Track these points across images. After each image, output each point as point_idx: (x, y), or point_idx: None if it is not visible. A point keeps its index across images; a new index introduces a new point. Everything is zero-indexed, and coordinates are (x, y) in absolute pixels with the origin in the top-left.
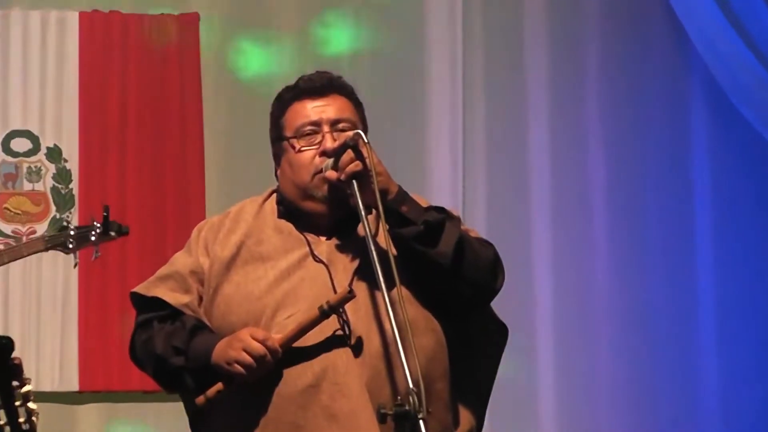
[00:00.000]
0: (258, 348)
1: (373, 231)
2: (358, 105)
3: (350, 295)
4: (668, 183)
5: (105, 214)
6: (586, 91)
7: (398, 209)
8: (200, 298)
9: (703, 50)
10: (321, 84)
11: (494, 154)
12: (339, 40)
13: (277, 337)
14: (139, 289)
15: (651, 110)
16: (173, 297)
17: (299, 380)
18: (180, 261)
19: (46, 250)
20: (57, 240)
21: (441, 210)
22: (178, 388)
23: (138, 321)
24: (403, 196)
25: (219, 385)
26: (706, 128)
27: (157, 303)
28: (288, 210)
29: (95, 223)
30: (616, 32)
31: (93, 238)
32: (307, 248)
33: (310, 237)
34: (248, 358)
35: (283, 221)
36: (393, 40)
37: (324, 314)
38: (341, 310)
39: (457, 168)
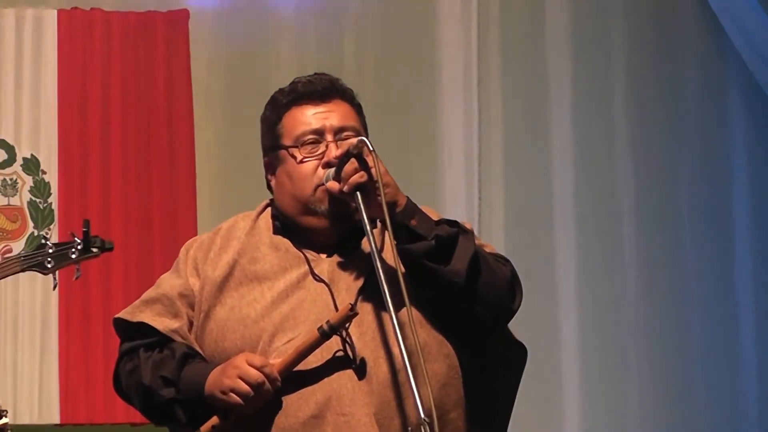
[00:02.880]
0: (255, 375)
1: (378, 246)
2: (360, 112)
3: (352, 312)
4: (703, 188)
5: (85, 229)
6: (612, 92)
7: (407, 223)
8: (190, 323)
9: (740, 44)
10: (323, 88)
11: (513, 162)
12: (344, 36)
13: (275, 362)
14: (123, 314)
15: (683, 110)
16: (161, 322)
17: (300, 411)
18: (167, 283)
19: (23, 271)
20: (34, 260)
21: (453, 223)
22: (169, 422)
23: (122, 349)
24: (412, 208)
25: (214, 420)
26: (744, 128)
27: (143, 329)
28: (285, 225)
29: (75, 239)
30: (645, 27)
31: (73, 256)
32: (307, 266)
33: (310, 254)
34: (245, 387)
35: (279, 237)
36: (402, 36)
37: (324, 335)
38: (344, 330)
39: (472, 177)
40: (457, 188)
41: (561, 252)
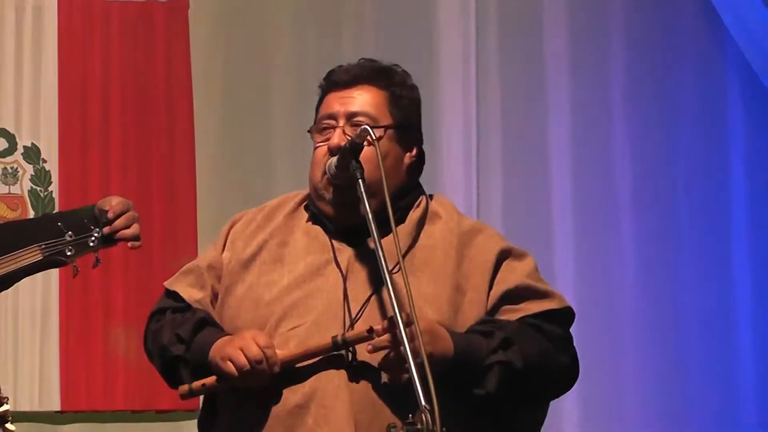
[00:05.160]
0: (255, 351)
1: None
2: (394, 99)
3: (369, 335)
4: (701, 178)
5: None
6: (610, 84)
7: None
8: (215, 295)
9: (738, 35)
10: (353, 74)
11: (511, 154)
12: (343, 25)
13: (281, 353)
14: (167, 282)
15: (681, 101)
16: (188, 292)
17: (289, 400)
18: (204, 253)
19: (45, 260)
20: (55, 248)
21: (491, 333)
22: (177, 383)
23: (155, 308)
24: (460, 356)
25: (210, 378)
26: (742, 119)
27: (178, 296)
28: (313, 212)
29: (94, 228)
30: (643, 20)
31: (92, 245)
32: (331, 255)
33: (337, 243)
34: (242, 359)
35: (314, 225)
36: (401, 28)
37: (336, 347)
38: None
39: (470, 168)
40: (455, 180)
41: (559, 243)
